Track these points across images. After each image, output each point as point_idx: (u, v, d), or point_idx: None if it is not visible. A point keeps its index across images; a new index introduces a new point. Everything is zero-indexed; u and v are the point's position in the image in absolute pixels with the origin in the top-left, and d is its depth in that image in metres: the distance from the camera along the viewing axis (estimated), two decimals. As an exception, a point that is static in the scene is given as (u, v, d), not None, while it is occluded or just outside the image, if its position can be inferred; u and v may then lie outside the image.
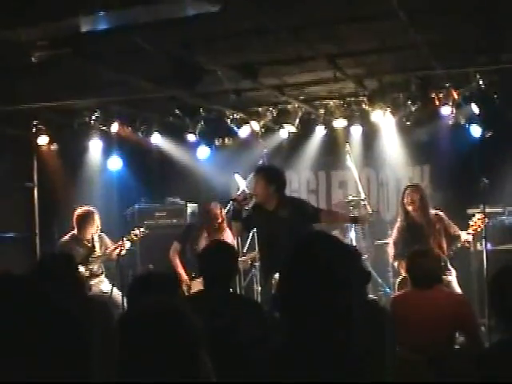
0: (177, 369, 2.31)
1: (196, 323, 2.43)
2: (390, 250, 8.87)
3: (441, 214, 8.71)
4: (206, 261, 5.30)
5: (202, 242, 9.13)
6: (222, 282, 5.20)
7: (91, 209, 9.56)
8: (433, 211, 8.72)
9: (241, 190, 9.52)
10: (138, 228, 9.73)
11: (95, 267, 9.45)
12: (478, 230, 8.34)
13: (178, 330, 2.36)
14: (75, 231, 9.50)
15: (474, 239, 8.61)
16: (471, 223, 8.34)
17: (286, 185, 8.24)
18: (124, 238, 9.40)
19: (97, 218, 9.51)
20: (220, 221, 9.49)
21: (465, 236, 8.41)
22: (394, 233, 8.85)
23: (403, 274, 8.71)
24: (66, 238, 9.56)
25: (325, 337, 2.49)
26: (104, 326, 3.76)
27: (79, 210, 9.54)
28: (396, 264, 8.81)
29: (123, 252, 9.39)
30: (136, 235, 9.60)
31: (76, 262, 5.71)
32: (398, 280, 8.70)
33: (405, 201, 8.68)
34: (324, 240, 2.70)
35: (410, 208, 8.63)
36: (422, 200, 8.61)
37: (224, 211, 9.53)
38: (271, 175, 7.95)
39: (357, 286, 2.79)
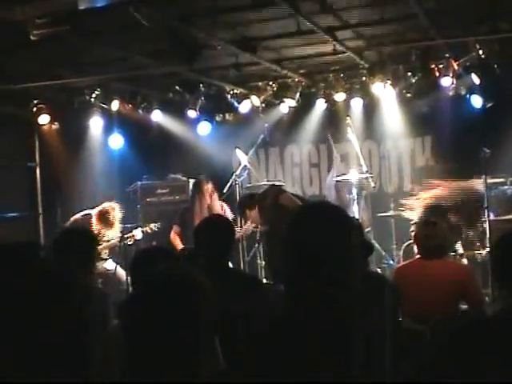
0: (199, 336, 2.30)
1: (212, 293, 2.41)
2: None
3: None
4: (200, 237, 5.23)
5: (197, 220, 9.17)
6: (219, 257, 5.09)
7: (113, 206, 9.45)
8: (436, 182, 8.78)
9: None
10: (155, 222, 9.81)
11: (103, 251, 9.42)
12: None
13: (197, 297, 2.34)
14: (91, 212, 9.44)
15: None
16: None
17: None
18: (138, 228, 9.46)
19: (118, 213, 9.44)
20: (211, 196, 9.53)
21: None
22: None
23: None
24: (80, 215, 9.51)
25: (326, 307, 2.50)
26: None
27: (100, 208, 9.40)
28: None
29: (131, 242, 9.43)
30: (151, 228, 9.69)
31: (96, 237, 5.71)
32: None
33: None
34: (325, 211, 2.71)
35: None
36: None
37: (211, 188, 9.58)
38: (245, 204, 8.81)
39: (360, 256, 2.80)
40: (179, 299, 2.28)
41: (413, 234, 8.54)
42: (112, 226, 9.39)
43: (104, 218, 9.34)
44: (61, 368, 1.69)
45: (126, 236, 9.44)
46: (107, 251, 9.47)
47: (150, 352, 2.23)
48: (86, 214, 9.48)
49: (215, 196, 9.56)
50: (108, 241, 9.43)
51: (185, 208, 9.72)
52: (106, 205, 9.44)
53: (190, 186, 11.42)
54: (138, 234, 9.48)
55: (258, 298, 4.90)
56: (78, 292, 1.84)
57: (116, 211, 9.42)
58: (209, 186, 9.54)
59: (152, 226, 9.70)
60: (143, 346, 2.25)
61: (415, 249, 8.49)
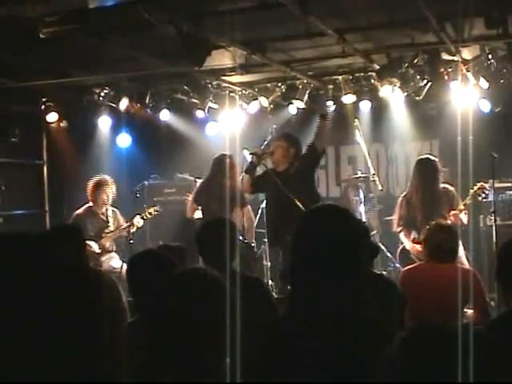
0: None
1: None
2: None
3: (450, 188, 8.69)
4: (202, 241, 5.17)
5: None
6: (221, 261, 4.93)
7: (107, 177, 9.62)
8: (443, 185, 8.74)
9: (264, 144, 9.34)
10: (152, 206, 9.80)
11: (107, 243, 9.48)
12: (478, 197, 8.35)
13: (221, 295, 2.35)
14: (90, 203, 9.51)
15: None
16: (471, 191, 8.34)
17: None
18: (137, 216, 9.44)
19: (113, 186, 9.54)
20: (232, 174, 9.23)
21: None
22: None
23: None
24: (81, 210, 9.58)
25: (331, 309, 2.50)
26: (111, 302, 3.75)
27: (95, 178, 9.63)
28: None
29: (133, 230, 9.42)
30: (150, 213, 9.66)
31: (84, 234, 5.72)
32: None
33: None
34: (331, 213, 2.71)
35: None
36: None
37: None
38: (293, 141, 8.77)
39: (365, 259, 2.80)
40: (208, 299, 2.30)
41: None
42: (109, 191, 9.54)
43: (100, 184, 9.53)
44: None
45: (127, 225, 9.49)
46: (108, 242, 9.49)
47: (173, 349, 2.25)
48: (88, 207, 9.53)
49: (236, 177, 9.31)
50: (110, 232, 9.46)
51: (202, 183, 9.58)
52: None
53: (198, 183, 11.41)
54: (138, 221, 9.48)
55: (259, 299, 4.88)
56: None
57: (112, 183, 9.61)
58: (230, 163, 9.29)
59: (151, 210, 9.68)
60: (165, 345, 2.27)
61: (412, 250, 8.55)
